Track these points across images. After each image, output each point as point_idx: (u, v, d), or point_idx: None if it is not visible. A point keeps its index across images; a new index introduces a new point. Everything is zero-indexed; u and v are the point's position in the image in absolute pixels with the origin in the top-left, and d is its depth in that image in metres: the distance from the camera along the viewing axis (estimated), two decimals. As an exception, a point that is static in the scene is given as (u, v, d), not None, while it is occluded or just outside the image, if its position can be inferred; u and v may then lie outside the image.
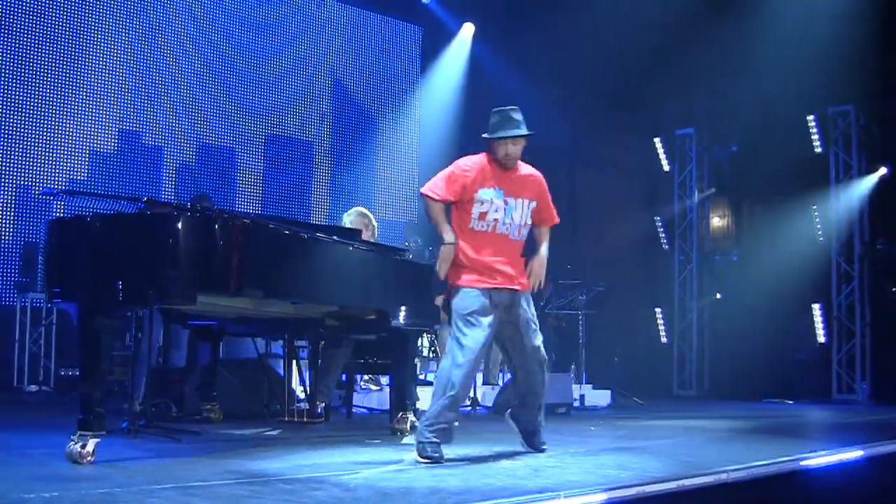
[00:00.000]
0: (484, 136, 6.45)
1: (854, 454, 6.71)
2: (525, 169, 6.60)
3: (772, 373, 15.08)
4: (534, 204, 6.55)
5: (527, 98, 16.25)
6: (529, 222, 6.54)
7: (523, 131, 6.44)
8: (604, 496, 4.68)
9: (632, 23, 14.56)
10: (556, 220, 6.80)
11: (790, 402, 14.06)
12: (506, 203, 6.35)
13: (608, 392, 13.03)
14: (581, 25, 15.43)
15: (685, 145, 17.48)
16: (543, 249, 6.64)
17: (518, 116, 6.47)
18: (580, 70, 16.05)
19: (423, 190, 6.38)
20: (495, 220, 6.33)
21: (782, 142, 15.47)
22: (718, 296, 16.90)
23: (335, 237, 7.52)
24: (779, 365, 15.18)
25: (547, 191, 6.71)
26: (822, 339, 15.39)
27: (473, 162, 6.42)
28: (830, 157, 15.46)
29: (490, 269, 6.31)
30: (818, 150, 15.39)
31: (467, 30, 17.40)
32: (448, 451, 6.53)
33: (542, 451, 6.61)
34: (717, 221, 17.50)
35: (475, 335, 6.18)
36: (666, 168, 17.48)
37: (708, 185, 17.36)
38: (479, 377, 11.59)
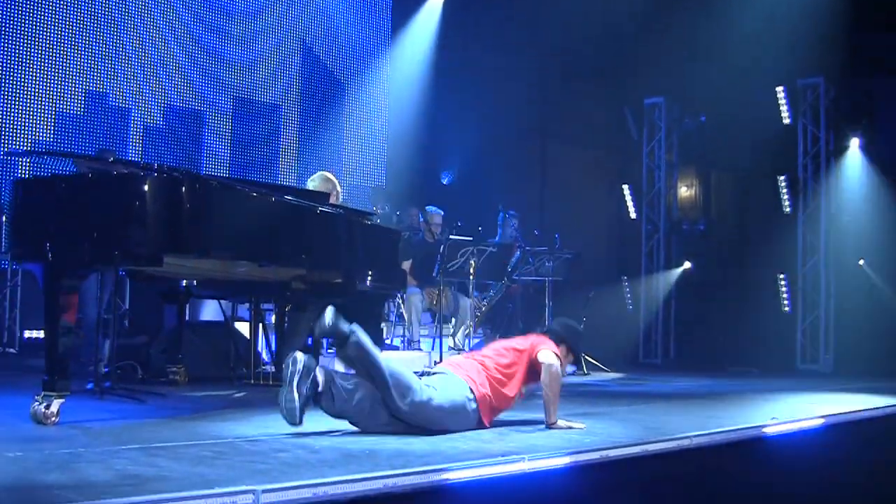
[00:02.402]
0: None
1: (815, 422, 6.78)
2: None
3: (736, 342, 15.15)
4: None
5: (496, 66, 16.29)
6: None
7: None
8: (568, 460, 4.71)
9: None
10: None
11: (754, 370, 14.14)
12: None
13: (574, 359, 13.06)
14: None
15: (654, 114, 17.48)
16: None
17: None
18: (550, 39, 16.00)
19: None
20: None
21: (751, 113, 15.47)
22: (687, 264, 16.94)
23: (303, 199, 7.51)
24: (743, 334, 15.26)
25: None
26: (786, 309, 15.50)
27: None
28: (799, 128, 15.51)
29: None
30: (787, 121, 15.44)
31: (438, -4, 17.33)
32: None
33: None
34: (684, 191, 17.54)
35: None
36: (635, 137, 17.48)
37: (677, 155, 17.37)
38: (446, 342, 11.65)
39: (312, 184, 9.05)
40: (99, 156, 8.72)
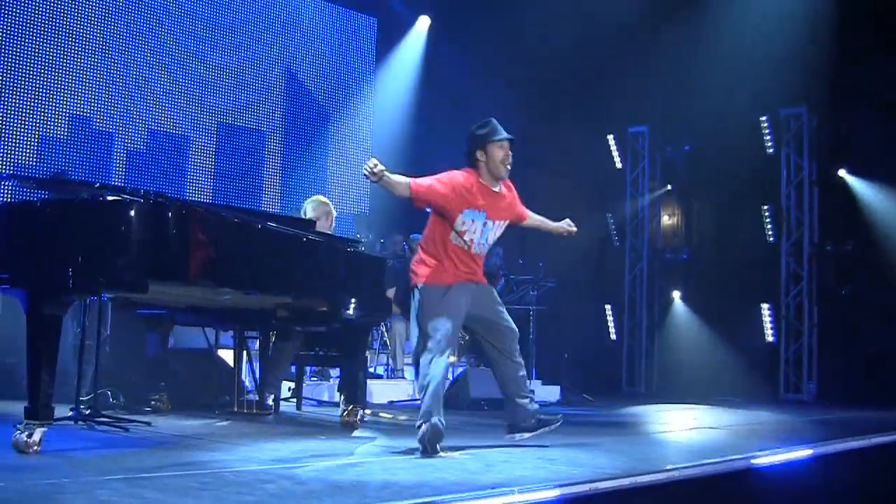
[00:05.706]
0: (491, 139, 6.49)
1: (803, 453, 6.76)
2: (505, 187, 6.63)
3: (720, 371, 15.13)
4: (507, 221, 6.60)
5: (480, 93, 16.30)
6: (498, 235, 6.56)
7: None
8: (557, 492, 4.66)
9: (587, 20, 14.56)
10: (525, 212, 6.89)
11: (738, 400, 14.12)
12: (484, 225, 6.36)
13: (557, 388, 13.05)
14: (535, 22, 15.43)
15: (638, 143, 17.51)
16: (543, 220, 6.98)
17: None
18: (534, 66, 16.03)
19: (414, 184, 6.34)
20: (471, 240, 6.32)
21: (735, 142, 15.50)
22: (677, 294, 16.87)
23: (289, 227, 7.47)
24: (727, 363, 15.25)
25: (516, 195, 6.75)
26: (770, 338, 15.49)
27: (467, 177, 6.40)
28: (782, 158, 15.55)
29: (454, 268, 6.32)
30: (770, 150, 15.49)
31: (423, 23, 17.37)
32: (398, 445, 6.52)
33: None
34: (666, 220, 17.53)
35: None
36: (619, 165, 17.50)
37: (660, 184, 17.39)
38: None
39: (310, 205, 9.02)
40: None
